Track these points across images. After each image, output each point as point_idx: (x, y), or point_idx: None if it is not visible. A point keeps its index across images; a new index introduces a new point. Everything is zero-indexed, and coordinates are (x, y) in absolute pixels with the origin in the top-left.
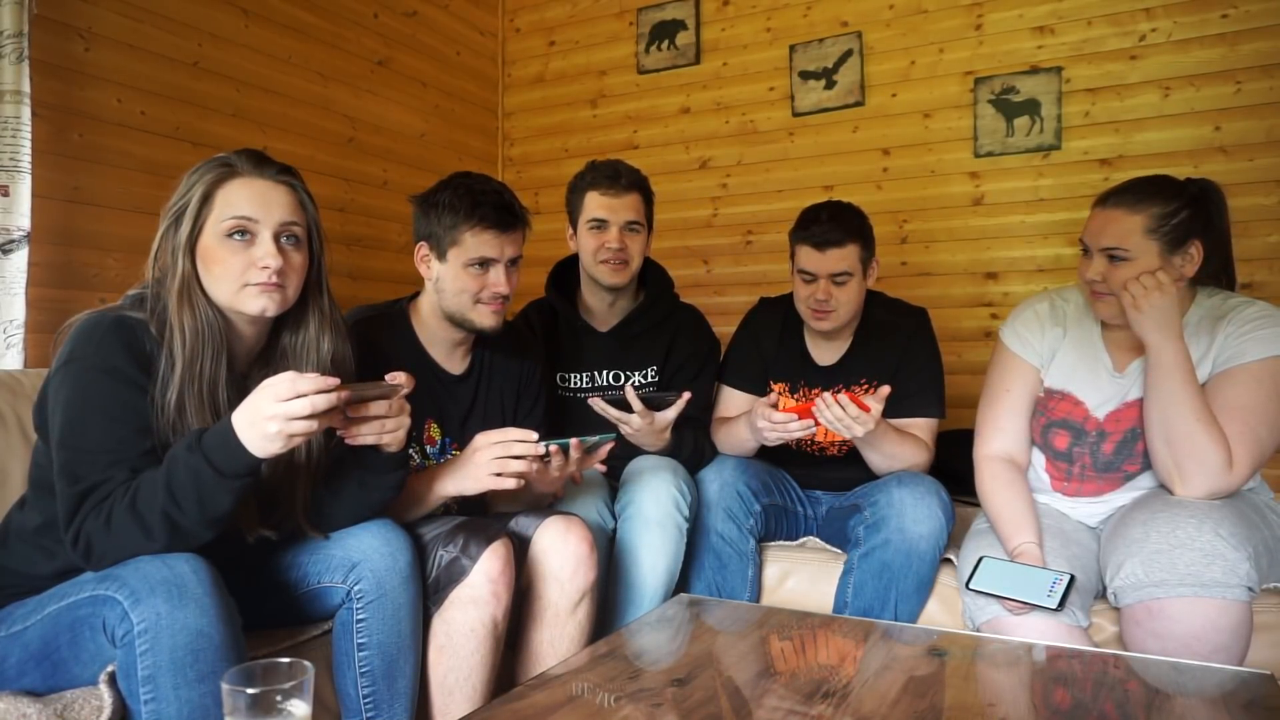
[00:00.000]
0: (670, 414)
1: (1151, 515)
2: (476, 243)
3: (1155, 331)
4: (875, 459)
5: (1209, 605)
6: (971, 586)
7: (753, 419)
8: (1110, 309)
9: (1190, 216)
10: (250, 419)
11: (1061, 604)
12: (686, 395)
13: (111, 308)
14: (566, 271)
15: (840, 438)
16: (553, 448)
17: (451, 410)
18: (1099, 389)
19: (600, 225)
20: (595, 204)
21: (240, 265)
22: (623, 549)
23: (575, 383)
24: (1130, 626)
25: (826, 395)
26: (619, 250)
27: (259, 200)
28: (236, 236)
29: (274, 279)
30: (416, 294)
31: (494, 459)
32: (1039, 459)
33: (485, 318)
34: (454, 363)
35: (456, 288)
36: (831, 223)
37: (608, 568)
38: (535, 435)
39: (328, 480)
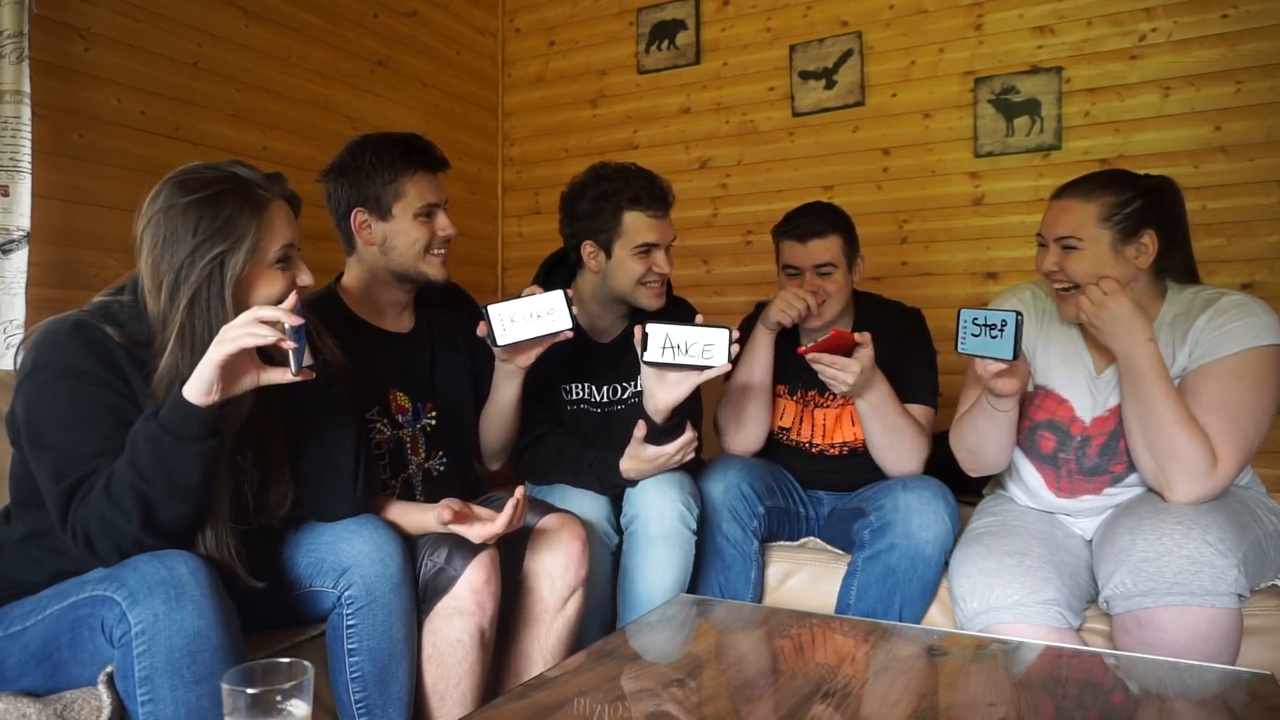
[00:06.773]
0: (671, 448)
1: (1139, 522)
2: (419, 190)
3: (1120, 339)
4: (875, 429)
5: (1197, 615)
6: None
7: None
8: (1072, 310)
9: (1144, 206)
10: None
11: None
12: (691, 434)
13: (68, 314)
14: (554, 269)
15: (838, 438)
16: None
17: (411, 371)
18: (1081, 391)
19: (650, 249)
20: (643, 226)
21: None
22: (629, 565)
23: (575, 394)
24: (1120, 635)
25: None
26: (666, 273)
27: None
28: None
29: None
30: (332, 282)
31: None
32: (1026, 465)
33: (435, 269)
34: (400, 324)
35: (409, 240)
36: (811, 215)
37: (613, 582)
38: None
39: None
